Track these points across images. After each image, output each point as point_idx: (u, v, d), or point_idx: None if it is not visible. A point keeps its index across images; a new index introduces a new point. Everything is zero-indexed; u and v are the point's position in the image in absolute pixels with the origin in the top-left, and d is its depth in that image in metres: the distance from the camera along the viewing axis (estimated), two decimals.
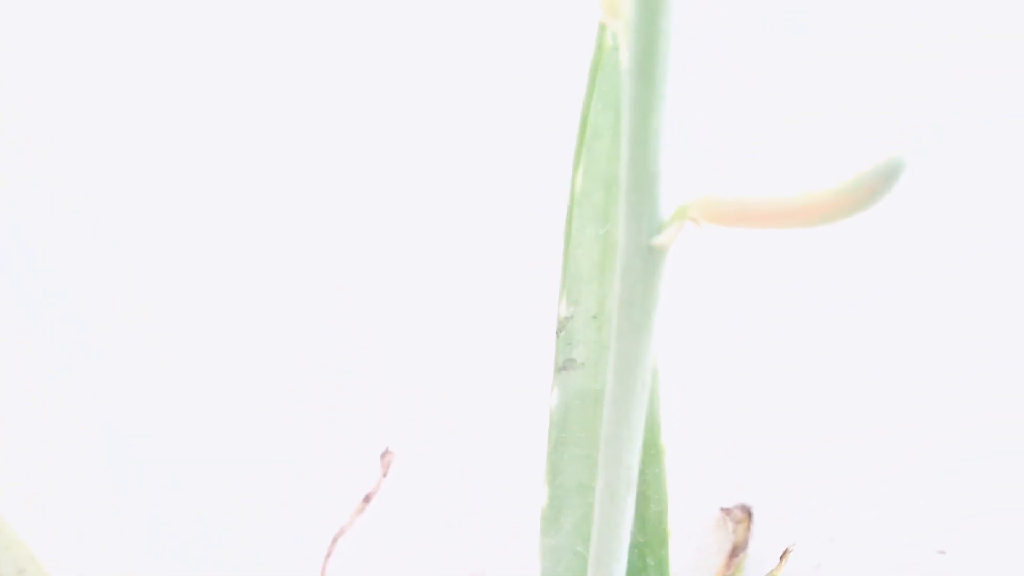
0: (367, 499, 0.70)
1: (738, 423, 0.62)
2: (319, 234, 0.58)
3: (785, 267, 0.59)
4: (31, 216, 0.55)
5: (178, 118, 0.54)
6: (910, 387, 0.55)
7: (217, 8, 0.54)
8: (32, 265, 0.56)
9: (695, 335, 0.60)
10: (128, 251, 0.56)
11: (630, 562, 0.33)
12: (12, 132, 0.55)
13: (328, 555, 0.56)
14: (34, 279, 0.56)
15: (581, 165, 0.34)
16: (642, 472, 0.37)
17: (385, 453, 0.68)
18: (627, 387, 0.20)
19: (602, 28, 0.32)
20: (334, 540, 0.68)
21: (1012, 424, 0.52)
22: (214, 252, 0.56)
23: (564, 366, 0.37)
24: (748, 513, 0.62)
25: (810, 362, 0.60)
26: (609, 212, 0.35)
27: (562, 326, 0.36)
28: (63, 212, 0.55)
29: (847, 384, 0.60)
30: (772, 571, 0.46)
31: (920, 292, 0.53)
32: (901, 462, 0.59)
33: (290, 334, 0.62)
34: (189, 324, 0.57)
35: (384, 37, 0.57)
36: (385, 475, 0.68)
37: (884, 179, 0.13)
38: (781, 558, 0.36)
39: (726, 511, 0.62)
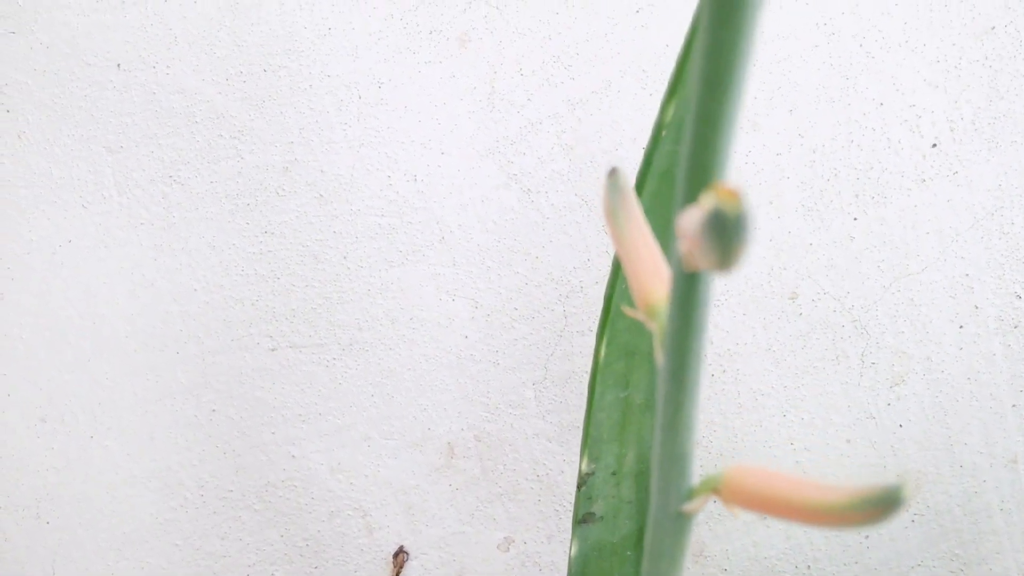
0: None
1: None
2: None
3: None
4: None
5: None
6: None
7: None
8: None
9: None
10: None
11: None
12: None
13: None
14: None
15: (605, 337, 0.36)
16: None
17: (398, 552, 0.70)
18: None
19: None
20: None
21: None
22: None
23: (584, 519, 0.39)
24: None
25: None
26: (629, 379, 0.38)
27: (583, 481, 0.39)
28: None
29: None
30: None
31: None
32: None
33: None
34: None
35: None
36: (398, 574, 0.70)
37: (886, 505, 0.16)
38: None
39: None
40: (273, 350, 0.66)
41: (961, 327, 0.59)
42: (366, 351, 0.65)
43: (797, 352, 0.61)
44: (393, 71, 0.61)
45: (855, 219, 0.59)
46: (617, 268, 0.35)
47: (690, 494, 0.19)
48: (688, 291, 0.16)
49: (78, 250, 0.66)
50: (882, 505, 0.15)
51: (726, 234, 0.12)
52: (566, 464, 0.65)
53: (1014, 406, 0.60)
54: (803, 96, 0.58)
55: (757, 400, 0.62)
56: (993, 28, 0.56)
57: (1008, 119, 0.57)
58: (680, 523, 0.19)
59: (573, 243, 0.62)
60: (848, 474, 0.62)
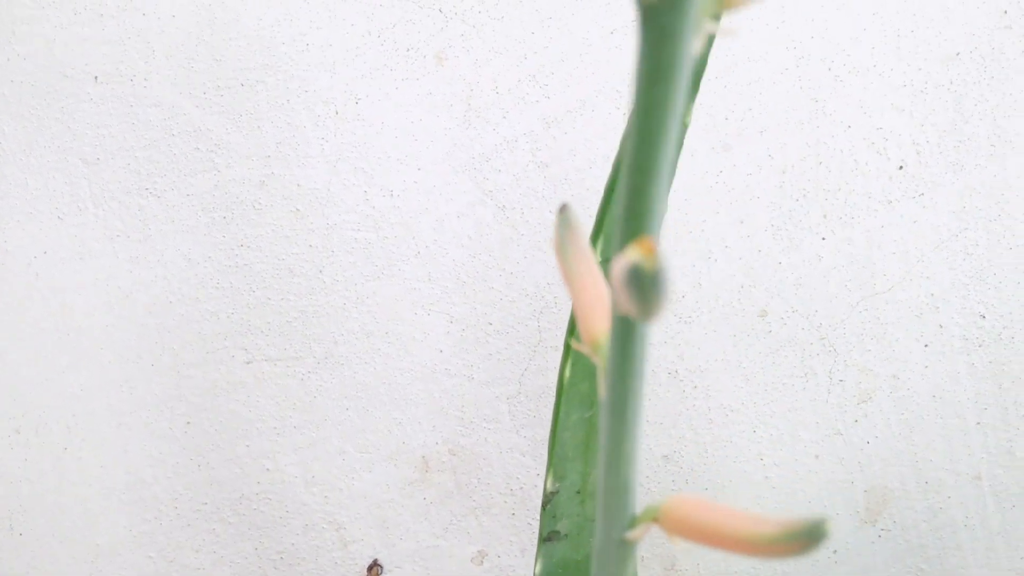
0: None
1: None
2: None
3: None
4: None
5: None
6: None
7: None
8: None
9: None
10: None
11: None
12: None
13: None
14: None
15: (570, 358, 0.37)
16: None
17: (372, 566, 0.70)
18: None
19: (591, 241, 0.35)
20: None
21: None
22: None
23: (548, 537, 0.39)
24: None
25: None
26: (593, 399, 0.38)
27: (548, 500, 0.39)
28: None
29: None
30: None
31: None
32: None
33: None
34: None
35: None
36: None
37: (810, 538, 0.16)
38: None
39: None
40: (248, 363, 0.66)
41: (926, 346, 0.60)
42: (341, 365, 0.66)
43: (766, 369, 0.62)
44: (370, 87, 0.62)
45: (823, 239, 0.60)
46: None
47: (632, 523, 0.19)
48: (625, 330, 0.17)
49: (53, 261, 0.66)
50: (807, 538, 0.16)
51: (642, 288, 0.12)
52: (539, 478, 0.66)
53: (978, 424, 0.61)
54: (773, 118, 0.59)
55: (727, 416, 0.63)
56: (958, 54, 0.57)
57: (972, 143, 0.58)
58: (623, 550, 0.20)
59: (547, 259, 0.63)
60: (816, 489, 0.63)
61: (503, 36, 0.60)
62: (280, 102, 0.63)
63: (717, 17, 0.14)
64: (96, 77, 0.64)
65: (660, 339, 0.62)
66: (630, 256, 0.12)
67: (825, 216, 0.60)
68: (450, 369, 0.65)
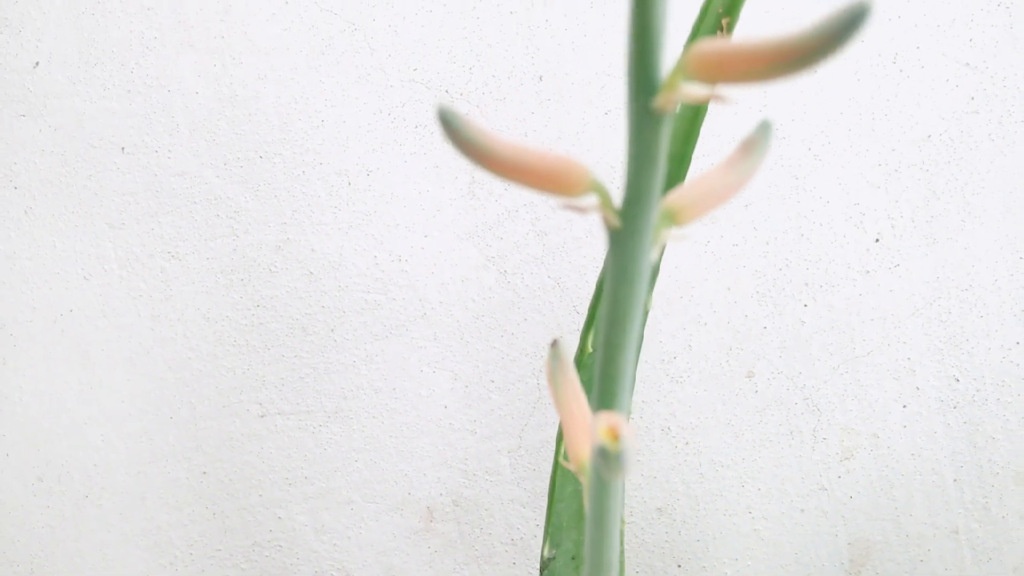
0: None
1: None
2: None
3: None
4: None
5: None
6: None
7: None
8: None
9: None
10: None
11: None
12: None
13: None
14: None
15: (564, 439, 0.40)
16: None
17: None
18: None
19: (583, 341, 0.39)
20: None
21: None
22: None
23: None
24: None
25: None
26: None
27: (545, 566, 0.42)
28: None
29: None
30: None
31: None
32: None
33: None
34: None
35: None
36: None
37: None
38: None
39: None
40: (262, 416, 0.70)
41: (904, 407, 0.64)
42: (350, 419, 0.69)
43: (754, 427, 0.65)
44: (381, 161, 0.66)
45: (805, 305, 0.64)
46: (581, 361, 0.39)
47: None
48: (600, 476, 0.20)
49: (78, 319, 0.70)
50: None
51: (608, 464, 0.16)
52: (539, 529, 0.69)
53: (955, 480, 0.64)
54: (757, 193, 0.63)
55: (717, 471, 0.66)
56: (929, 136, 0.61)
57: (944, 218, 0.62)
58: None
59: (546, 321, 0.67)
60: (802, 541, 0.66)
61: (505, 115, 0.65)
62: (296, 173, 0.67)
63: (670, 227, 0.18)
64: (123, 148, 0.68)
65: (653, 397, 0.66)
66: (596, 437, 0.16)
67: (807, 284, 0.64)
68: (454, 424, 0.68)
